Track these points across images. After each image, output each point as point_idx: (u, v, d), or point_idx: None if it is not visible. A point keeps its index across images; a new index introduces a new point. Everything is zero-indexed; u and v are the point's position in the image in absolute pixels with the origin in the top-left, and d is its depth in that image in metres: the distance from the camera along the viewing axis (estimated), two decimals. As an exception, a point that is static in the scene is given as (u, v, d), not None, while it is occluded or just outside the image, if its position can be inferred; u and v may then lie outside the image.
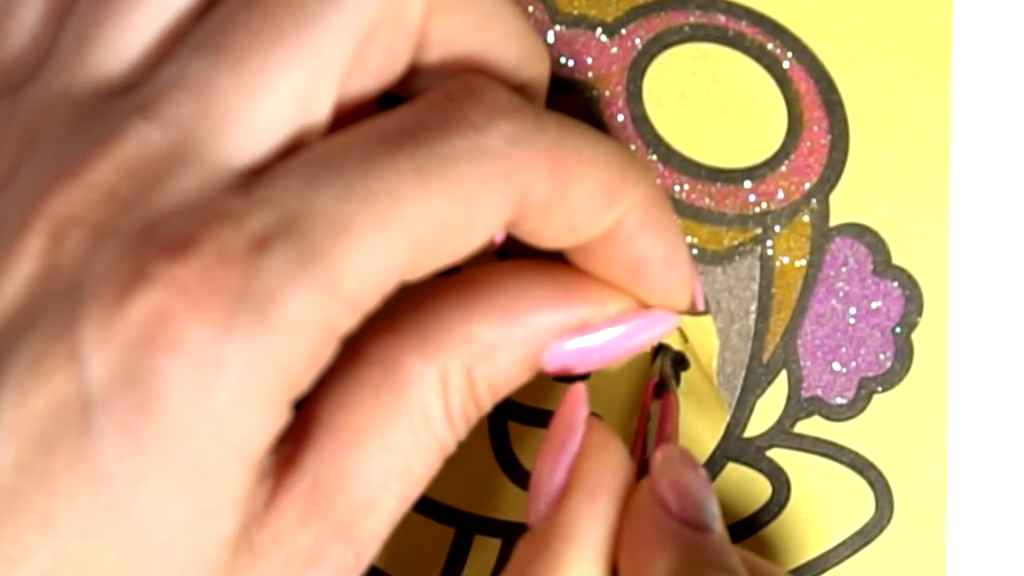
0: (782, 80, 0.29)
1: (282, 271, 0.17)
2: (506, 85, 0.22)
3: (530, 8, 0.29)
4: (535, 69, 0.23)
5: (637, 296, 0.23)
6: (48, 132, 0.19)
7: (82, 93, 0.19)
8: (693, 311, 0.24)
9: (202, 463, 0.17)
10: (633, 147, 0.29)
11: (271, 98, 0.19)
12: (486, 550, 0.29)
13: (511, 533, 0.29)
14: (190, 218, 0.17)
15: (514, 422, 0.29)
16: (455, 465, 0.29)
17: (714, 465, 0.29)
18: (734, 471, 0.29)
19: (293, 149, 0.19)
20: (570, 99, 0.29)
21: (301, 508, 0.19)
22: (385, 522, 0.20)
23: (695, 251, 0.29)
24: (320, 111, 0.19)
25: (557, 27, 0.29)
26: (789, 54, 0.29)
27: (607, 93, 0.29)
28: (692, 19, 0.29)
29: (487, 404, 0.22)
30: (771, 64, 0.29)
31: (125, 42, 0.20)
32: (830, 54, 0.29)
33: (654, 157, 0.29)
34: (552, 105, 0.29)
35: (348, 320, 0.18)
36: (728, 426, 0.29)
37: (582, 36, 0.29)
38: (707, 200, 0.29)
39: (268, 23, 0.19)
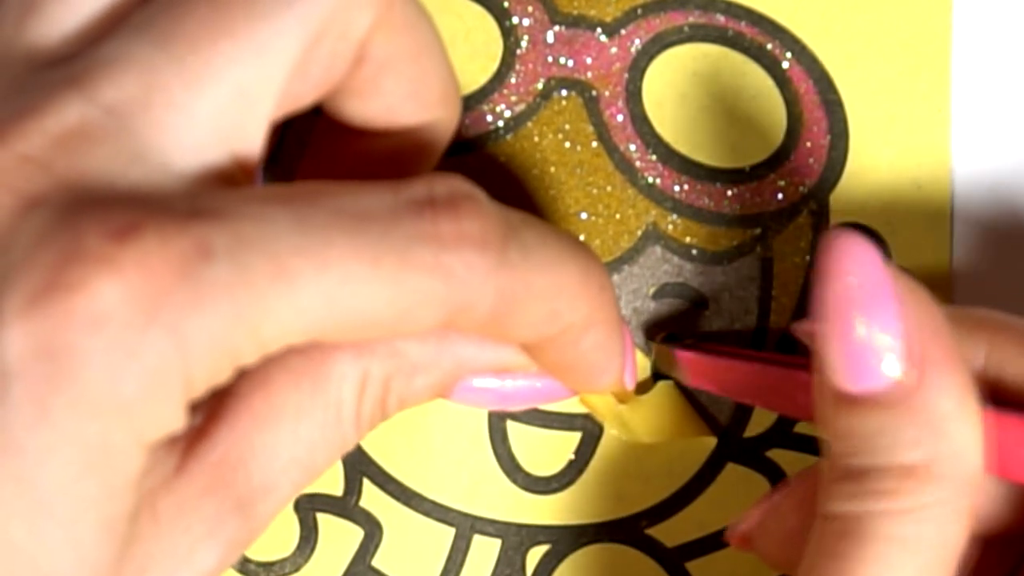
0: (781, 80, 0.29)
1: (215, 287, 0.17)
2: (419, 119, 0.23)
3: (530, 8, 0.29)
4: (448, 110, 0.23)
5: (560, 380, 0.23)
6: None
7: (19, 62, 0.19)
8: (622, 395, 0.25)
9: (107, 443, 0.17)
10: (633, 147, 0.29)
11: (214, 93, 0.19)
12: (485, 550, 0.29)
13: (510, 533, 0.29)
14: (135, 205, 0.17)
15: (513, 422, 0.29)
16: (455, 465, 0.29)
17: (714, 466, 0.29)
18: (734, 471, 0.29)
19: (232, 153, 0.19)
20: (569, 100, 0.30)
21: (208, 478, 0.19)
22: (278, 506, 0.21)
23: (695, 251, 0.29)
24: (260, 115, 0.19)
25: (556, 27, 0.29)
26: (788, 54, 0.29)
27: (607, 93, 0.29)
28: (691, 19, 0.29)
29: (389, 416, 0.22)
30: (770, 64, 0.29)
31: (68, 13, 0.19)
32: (829, 54, 0.29)
33: (654, 157, 0.29)
34: (550, 108, 0.29)
35: (252, 358, 0.18)
36: (728, 426, 0.29)
37: (581, 36, 0.29)
38: (707, 200, 0.29)
39: (218, 14, 0.19)
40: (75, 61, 0.19)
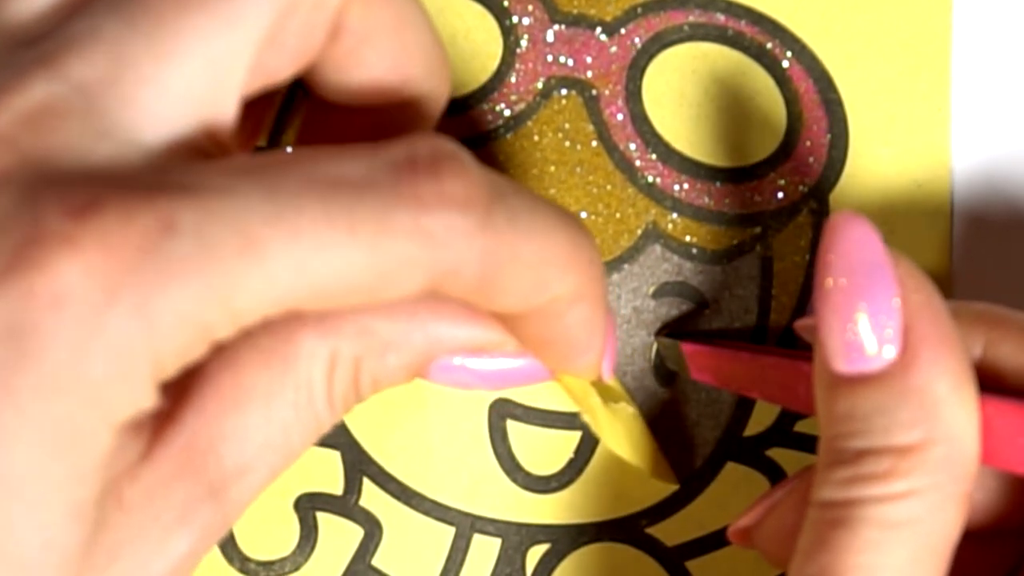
0: (781, 79, 0.29)
1: (181, 262, 0.17)
2: (405, 94, 0.22)
3: (529, 7, 0.29)
4: (436, 83, 0.23)
5: (538, 356, 0.23)
6: None
7: None
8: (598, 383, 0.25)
9: (74, 424, 0.17)
10: (633, 146, 0.29)
11: (184, 66, 0.19)
12: (485, 550, 0.29)
13: (510, 532, 0.29)
14: (97, 181, 0.17)
15: (513, 421, 0.29)
16: (455, 464, 0.29)
17: (714, 465, 0.29)
18: (734, 471, 0.29)
19: (204, 125, 0.19)
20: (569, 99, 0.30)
21: (176, 464, 0.19)
22: (254, 490, 0.20)
23: (695, 250, 0.29)
24: (232, 87, 0.19)
25: (556, 26, 0.29)
26: (788, 53, 0.29)
27: (606, 92, 0.29)
28: (691, 18, 0.29)
29: (364, 397, 0.22)
30: (770, 63, 0.29)
31: None
32: (829, 53, 0.29)
33: (654, 156, 0.29)
34: (549, 107, 0.29)
35: (227, 332, 0.18)
36: (728, 426, 0.29)
37: (581, 35, 0.29)
38: (707, 199, 0.29)
39: None
40: (46, 39, 0.19)
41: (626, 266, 0.29)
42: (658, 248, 0.29)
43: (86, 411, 0.17)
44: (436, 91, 0.23)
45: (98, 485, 0.18)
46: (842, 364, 0.21)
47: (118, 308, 0.17)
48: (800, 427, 0.29)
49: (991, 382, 0.22)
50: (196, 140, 0.19)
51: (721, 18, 0.29)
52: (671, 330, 0.29)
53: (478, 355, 0.23)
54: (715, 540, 0.29)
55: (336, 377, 0.21)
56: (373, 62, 0.22)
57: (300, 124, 0.24)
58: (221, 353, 0.20)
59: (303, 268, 0.18)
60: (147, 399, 0.18)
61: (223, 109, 0.19)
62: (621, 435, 0.28)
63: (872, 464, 0.20)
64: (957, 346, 0.21)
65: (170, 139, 0.19)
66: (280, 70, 0.21)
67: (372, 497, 0.29)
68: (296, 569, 0.29)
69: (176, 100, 0.19)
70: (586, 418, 0.28)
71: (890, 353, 0.21)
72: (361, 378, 0.21)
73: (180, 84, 0.19)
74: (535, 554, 0.29)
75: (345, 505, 0.29)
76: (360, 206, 0.18)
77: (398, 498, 0.29)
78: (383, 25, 0.21)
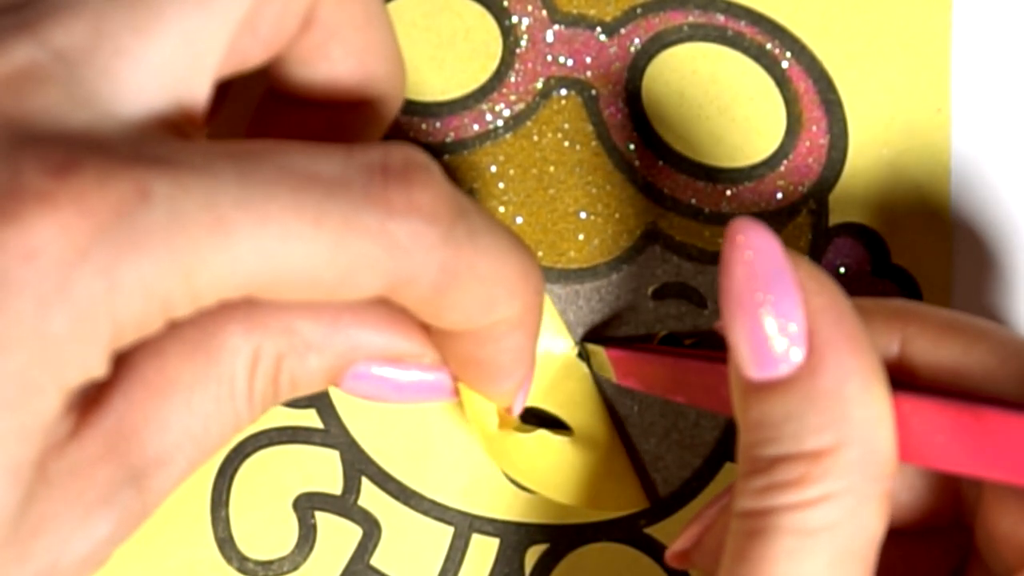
0: (781, 80, 0.29)
1: (152, 231, 0.17)
2: (364, 94, 0.23)
3: (529, 7, 0.29)
4: (394, 86, 0.23)
5: (460, 375, 0.24)
6: None
7: None
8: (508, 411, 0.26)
9: (26, 379, 0.17)
10: (632, 146, 0.29)
11: (163, 42, 0.19)
12: (484, 549, 0.29)
13: (509, 532, 0.29)
14: (76, 144, 0.18)
15: (512, 421, 0.29)
16: (453, 464, 0.29)
17: (713, 465, 0.29)
18: (733, 471, 0.29)
19: (179, 103, 0.19)
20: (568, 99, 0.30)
21: (101, 446, 0.19)
22: (173, 480, 0.21)
23: (694, 250, 0.29)
24: (208, 67, 0.20)
25: (556, 26, 0.29)
26: (788, 54, 0.29)
27: (606, 92, 0.29)
28: (691, 19, 0.29)
29: (281, 398, 0.22)
30: (770, 64, 0.29)
31: None
32: (829, 54, 0.29)
33: (653, 156, 0.29)
34: (549, 107, 0.29)
35: (185, 310, 0.18)
36: (727, 426, 0.29)
37: (581, 35, 0.29)
38: (706, 199, 0.29)
39: None
40: (27, 7, 0.19)
41: (625, 266, 0.29)
42: (657, 248, 0.29)
43: (41, 368, 0.17)
44: (393, 94, 0.24)
45: (39, 448, 0.18)
46: (751, 371, 0.21)
47: (86, 268, 0.17)
48: (799, 427, 0.29)
49: (908, 379, 0.22)
50: (171, 117, 0.19)
51: (721, 18, 0.29)
52: (665, 331, 0.29)
53: (394, 364, 0.23)
54: (714, 540, 0.29)
55: (257, 373, 0.21)
56: (338, 57, 0.22)
57: (252, 116, 0.25)
58: (149, 344, 0.20)
59: (267, 254, 0.18)
60: (99, 367, 0.18)
61: (198, 88, 0.20)
62: (516, 461, 0.28)
63: (785, 471, 0.20)
64: (864, 345, 0.20)
65: (146, 113, 0.19)
66: (253, 56, 0.21)
67: (371, 497, 0.29)
68: (295, 569, 0.29)
69: (154, 75, 0.19)
70: (475, 437, 0.28)
71: (797, 357, 0.20)
72: (281, 377, 0.22)
73: (158, 59, 0.19)
74: (534, 554, 0.29)
75: (344, 505, 0.29)
76: (329, 202, 0.18)
77: (397, 498, 0.29)
78: (352, 21, 0.22)
